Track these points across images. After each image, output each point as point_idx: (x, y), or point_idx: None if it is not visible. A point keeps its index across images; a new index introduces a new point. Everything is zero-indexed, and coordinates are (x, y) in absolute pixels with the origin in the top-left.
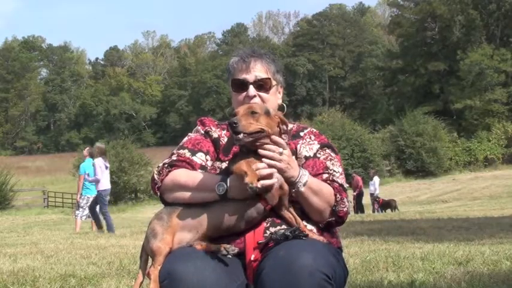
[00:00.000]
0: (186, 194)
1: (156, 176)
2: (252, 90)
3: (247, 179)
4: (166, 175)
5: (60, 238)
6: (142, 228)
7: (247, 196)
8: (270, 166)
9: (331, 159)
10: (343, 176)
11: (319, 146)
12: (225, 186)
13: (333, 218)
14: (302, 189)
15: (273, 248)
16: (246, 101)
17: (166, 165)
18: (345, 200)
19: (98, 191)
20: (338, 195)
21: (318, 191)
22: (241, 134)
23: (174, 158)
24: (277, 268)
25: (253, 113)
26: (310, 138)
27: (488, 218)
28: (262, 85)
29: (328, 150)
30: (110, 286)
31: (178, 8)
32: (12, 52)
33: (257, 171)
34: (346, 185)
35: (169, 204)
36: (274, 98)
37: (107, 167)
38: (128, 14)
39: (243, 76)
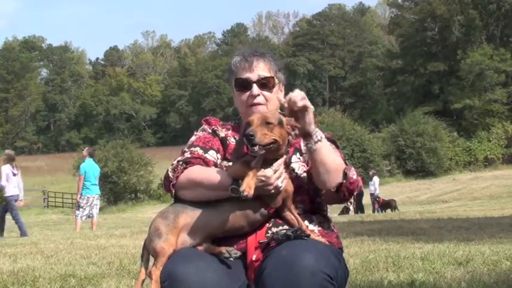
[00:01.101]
0: (201, 192)
1: (170, 174)
2: (255, 89)
3: (241, 188)
4: (182, 172)
5: (60, 238)
6: (142, 228)
7: (259, 194)
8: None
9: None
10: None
11: None
12: (238, 189)
13: (345, 181)
14: (318, 144)
15: (274, 248)
16: (250, 100)
17: (181, 162)
18: (353, 169)
19: (6, 197)
20: (347, 165)
21: (333, 150)
22: (257, 147)
23: (187, 155)
24: (279, 268)
25: (267, 123)
26: None
27: (488, 218)
28: (265, 84)
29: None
30: (110, 286)
31: (178, 8)
32: (13, 52)
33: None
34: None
35: (182, 201)
36: (278, 96)
37: (14, 174)
38: (128, 14)
39: (246, 75)
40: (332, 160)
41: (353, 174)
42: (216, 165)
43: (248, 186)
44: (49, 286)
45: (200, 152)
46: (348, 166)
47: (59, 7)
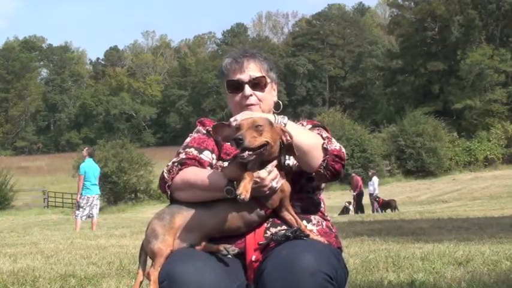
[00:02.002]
0: (196, 193)
1: (166, 175)
2: (247, 89)
3: (238, 191)
4: (177, 173)
5: (60, 238)
6: (142, 228)
7: (255, 196)
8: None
9: (319, 131)
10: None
11: (310, 126)
12: (233, 190)
13: (327, 156)
14: (285, 122)
15: (274, 248)
16: (243, 101)
17: (176, 163)
18: (333, 140)
19: None
20: (324, 134)
21: (303, 130)
22: (246, 153)
23: (182, 156)
24: (279, 268)
25: (257, 126)
26: (302, 125)
27: (488, 218)
28: (257, 84)
29: (319, 129)
30: (110, 286)
31: (178, 8)
32: (13, 52)
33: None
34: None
35: (178, 202)
36: (270, 95)
37: None
38: (128, 14)
39: (237, 76)
40: (305, 140)
41: (334, 145)
42: (211, 165)
43: (245, 190)
44: (49, 286)
45: (195, 152)
46: (326, 140)
47: (59, 7)
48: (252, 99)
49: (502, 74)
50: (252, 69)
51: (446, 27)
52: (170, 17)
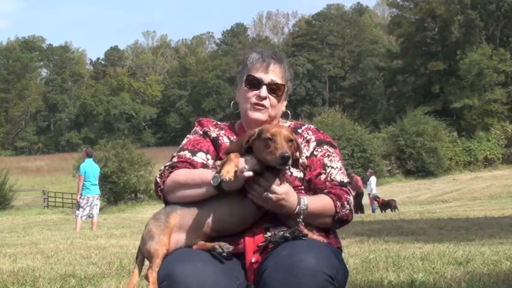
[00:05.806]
0: (187, 192)
1: (158, 179)
2: (264, 91)
3: (221, 172)
4: (168, 177)
5: (60, 238)
6: (142, 228)
7: (240, 186)
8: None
9: (328, 155)
10: (342, 171)
11: (316, 143)
12: (219, 177)
13: (337, 225)
14: (305, 215)
15: (275, 249)
16: (257, 100)
17: (167, 167)
18: (345, 203)
19: None
20: (338, 203)
21: (321, 212)
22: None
23: (174, 160)
24: (279, 269)
25: (290, 141)
26: (308, 134)
27: (488, 218)
28: (275, 89)
29: (325, 146)
30: (110, 286)
31: (178, 8)
32: (13, 52)
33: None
34: (346, 180)
35: (173, 204)
36: (281, 104)
37: None
38: (128, 14)
39: (260, 75)
40: (321, 221)
41: (345, 209)
42: (205, 166)
43: (226, 171)
44: (49, 286)
45: (188, 155)
46: (339, 206)
47: (59, 7)
48: (265, 102)
49: (501, 73)
50: (275, 74)
51: (446, 27)
52: (171, 17)
